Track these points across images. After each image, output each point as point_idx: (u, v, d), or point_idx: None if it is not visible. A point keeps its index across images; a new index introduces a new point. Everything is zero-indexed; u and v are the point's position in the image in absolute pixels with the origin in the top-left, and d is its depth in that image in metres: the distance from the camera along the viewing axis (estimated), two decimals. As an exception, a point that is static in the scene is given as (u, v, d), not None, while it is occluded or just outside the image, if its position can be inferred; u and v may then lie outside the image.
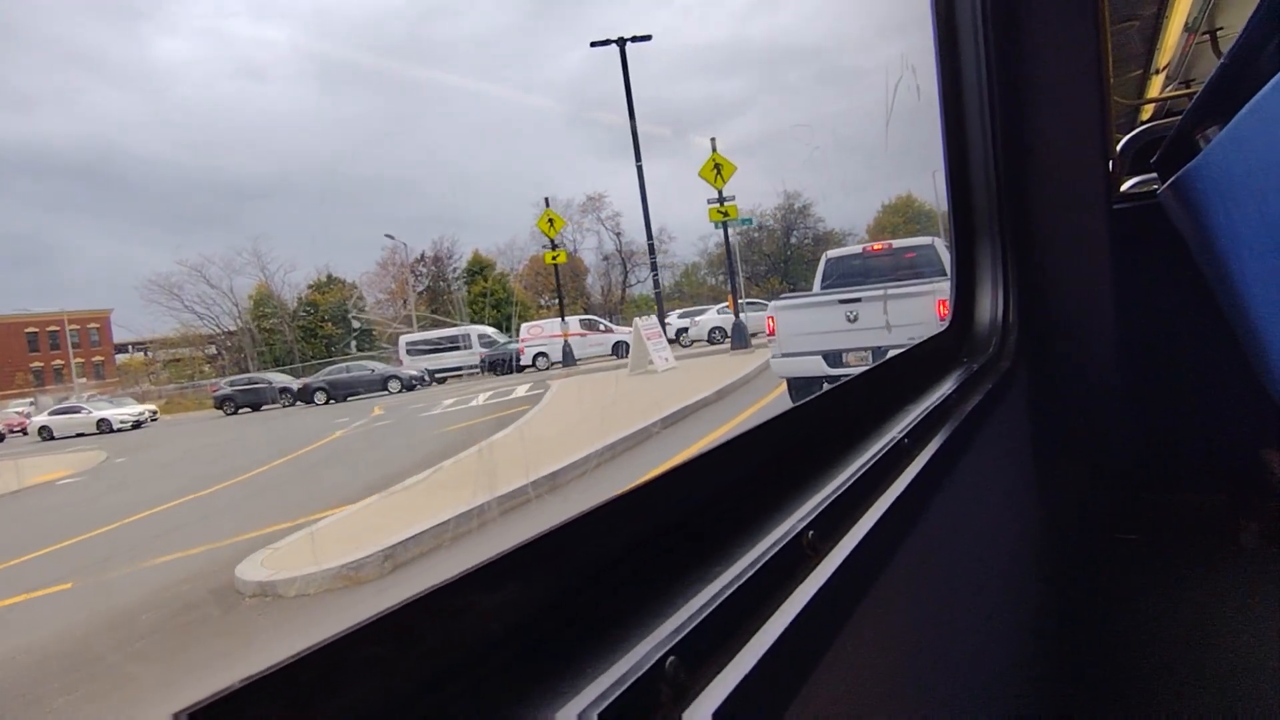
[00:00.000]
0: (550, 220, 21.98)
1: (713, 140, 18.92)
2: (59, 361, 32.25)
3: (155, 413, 22.94)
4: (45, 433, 20.61)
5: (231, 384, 24.92)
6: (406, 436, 12.69)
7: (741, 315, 18.26)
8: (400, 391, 21.48)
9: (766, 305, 11.18)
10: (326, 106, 43.87)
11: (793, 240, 38.03)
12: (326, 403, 21.25)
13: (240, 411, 22.03)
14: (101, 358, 34.78)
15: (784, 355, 8.15)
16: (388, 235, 37.67)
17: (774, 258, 38.28)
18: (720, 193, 17.10)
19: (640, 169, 20.51)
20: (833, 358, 7.78)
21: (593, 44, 21.33)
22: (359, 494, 7.14)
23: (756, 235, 38.49)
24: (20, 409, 23.71)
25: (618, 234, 38.40)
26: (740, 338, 17.15)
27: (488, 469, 7.65)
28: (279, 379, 24.49)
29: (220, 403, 23.19)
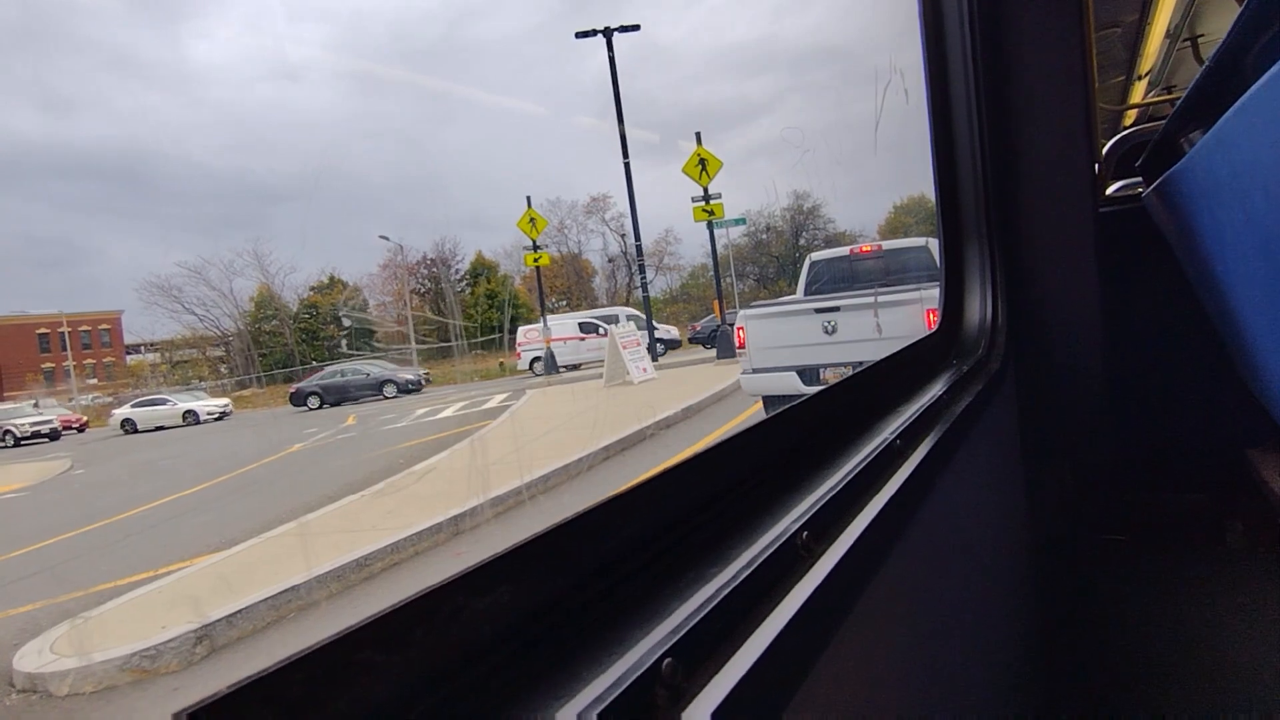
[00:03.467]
0: (531, 220, 20.63)
1: (698, 135, 18.64)
2: (71, 362, 32.09)
3: (229, 407, 22.74)
4: (129, 425, 20.13)
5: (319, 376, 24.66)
6: (351, 456, 11.83)
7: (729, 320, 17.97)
8: (397, 395, 21.24)
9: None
10: (356, 109, 43.89)
11: (801, 242, 37.39)
12: (320, 407, 21.04)
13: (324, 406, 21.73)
14: (112, 359, 34.54)
15: (754, 371, 7.16)
16: (382, 236, 37.56)
17: (782, 260, 37.81)
18: (706, 190, 16.63)
19: (628, 165, 19.73)
20: (809, 374, 6.90)
21: (578, 34, 20.46)
22: (243, 535, 6.05)
23: (764, 237, 38.25)
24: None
25: (622, 235, 38.20)
26: (726, 346, 16.46)
27: (396, 505, 6.76)
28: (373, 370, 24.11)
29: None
